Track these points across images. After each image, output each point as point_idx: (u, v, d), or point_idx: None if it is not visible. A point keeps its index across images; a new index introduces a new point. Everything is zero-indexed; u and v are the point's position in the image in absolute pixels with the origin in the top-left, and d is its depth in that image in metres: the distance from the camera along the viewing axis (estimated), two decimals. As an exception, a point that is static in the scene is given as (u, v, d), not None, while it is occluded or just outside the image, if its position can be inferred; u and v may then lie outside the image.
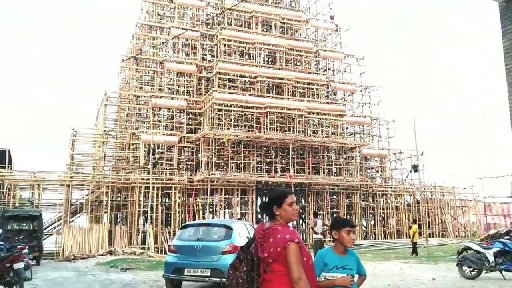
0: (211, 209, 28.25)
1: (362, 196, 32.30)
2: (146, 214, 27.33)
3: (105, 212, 26.45)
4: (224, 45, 32.36)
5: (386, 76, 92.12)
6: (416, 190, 34.67)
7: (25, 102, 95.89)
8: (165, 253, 26.55)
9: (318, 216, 15.31)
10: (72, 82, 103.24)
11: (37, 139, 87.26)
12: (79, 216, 28.88)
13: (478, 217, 39.60)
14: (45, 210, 26.16)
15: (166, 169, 29.08)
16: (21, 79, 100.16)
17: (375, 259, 19.95)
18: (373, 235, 32.14)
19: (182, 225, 11.42)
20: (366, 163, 34.98)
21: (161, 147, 29.67)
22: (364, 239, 31.13)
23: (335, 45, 37.67)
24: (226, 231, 10.49)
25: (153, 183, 27.16)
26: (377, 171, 35.67)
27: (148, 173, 28.12)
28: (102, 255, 21.01)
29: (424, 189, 35.14)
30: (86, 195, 26.87)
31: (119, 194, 28.46)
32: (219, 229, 10.83)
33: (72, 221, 27.23)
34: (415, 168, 21.15)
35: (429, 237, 32.75)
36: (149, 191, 27.17)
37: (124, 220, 28.48)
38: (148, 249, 25.31)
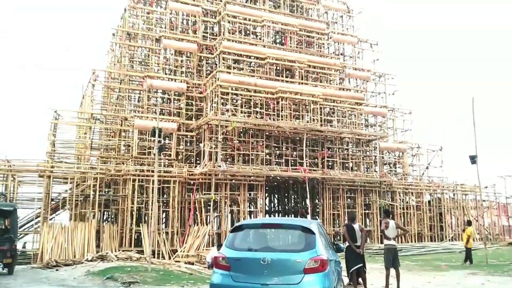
0: (215, 207, 24.55)
1: (381, 194, 28.98)
2: (140, 212, 23.61)
3: (92, 209, 22.52)
4: (229, 22, 28.68)
5: (401, 66, 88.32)
6: (437, 188, 31.54)
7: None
8: (163, 257, 22.94)
9: (391, 216, 11.76)
10: (54, 60, 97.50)
11: (12, 124, 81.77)
12: (60, 213, 24.97)
13: (493, 219, 36.82)
14: (21, 206, 22.23)
15: (162, 159, 25.23)
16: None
17: (425, 269, 16.60)
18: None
19: (235, 225, 7.69)
20: (382, 158, 31.62)
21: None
22: (381, 243, 27.67)
23: (347, 29, 34.31)
24: (306, 236, 6.87)
25: (147, 176, 23.55)
26: (394, 167, 32.36)
27: (142, 164, 24.52)
28: (91, 260, 17.16)
29: (444, 187, 32.07)
30: (70, 188, 22.93)
31: (108, 188, 24.60)
32: (294, 233, 7.20)
33: (51, 219, 23.32)
34: (473, 159, 17.77)
35: (454, 240, 29.74)
36: (143, 185, 23.66)
37: (113, 218, 24.61)
38: (141, 252, 21.60)
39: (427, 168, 33.51)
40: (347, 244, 10.45)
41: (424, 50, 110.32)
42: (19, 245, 23.21)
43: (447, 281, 12.86)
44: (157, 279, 12.66)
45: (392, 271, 10.82)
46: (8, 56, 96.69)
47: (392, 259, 10.80)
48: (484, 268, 15.90)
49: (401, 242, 27.43)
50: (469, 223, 19.43)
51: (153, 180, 22.95)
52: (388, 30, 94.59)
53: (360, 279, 10.49)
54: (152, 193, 22.82)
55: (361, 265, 10.31)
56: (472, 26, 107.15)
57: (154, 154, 25.20)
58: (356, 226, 10.51)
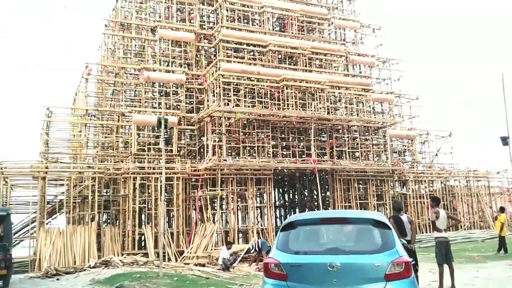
0: (221, 204, 23.21)
1: (392, 184, 27.75)
2: (142, 212, 22.21)
3: (91, 211, 21.06)
4: (227, 9, 27.19)
5: (403, 50, 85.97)
6: (449, 176, 30.35)
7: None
8: (169, 259, 21.47)
9: (440, 205, 10.45)
10: (54, 60, 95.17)
11: (9, 125, 79.58)
12: (56, 217, 23.48)
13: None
14: (15, 211, 20.75)
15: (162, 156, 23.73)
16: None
17: (459, 261, 15.19)
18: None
19: (285, 222, 6.22)
20: (391, 146, 30.31)
21: (156, 129, 24.38)
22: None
23: (348, 14, 32.94)
24: (381, 232, 5.49)
25: (148, 174, 22.17)
26: (403, 155, 31.09)
27: (142, 161, 23.12)
28: (94, 267, 15.73)
29: (456, 174, 30.90)
30: (67, 190, 21.47)
31: (107, 188, 23.17)
32: (363, 228, 5.77)
33: (48, 223, 21.85)
34: (504, 140, 16.53)
35: (470, 228, 28.63)
36: (145, 184, 22.24)
37: (114, 219, 23.16)
38: (146, 255, 20.22)
39: (436, 155, 32.33)
40: None
41: (425, 35, 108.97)
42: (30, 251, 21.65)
43: (493, 275, 11.63)
44: (172, 286, 11.27)
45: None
46: (8, 56, 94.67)
47: (445, 253, 9.51)
48: (524, 258, 14.69)
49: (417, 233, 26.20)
50: (501, 209, 18.15)
51: (156, 178, 21.70)
52: (389, 15, 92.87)
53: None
54: (157, 190, 21.56)
55: (413, 262, 8.98)
56: (472, 11, 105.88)
57: (155, 150, 23.87)
58: (404, 217, 9.18)
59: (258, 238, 21.19)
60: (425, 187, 29.20)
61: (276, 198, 34.74)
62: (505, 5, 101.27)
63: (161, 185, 21.37)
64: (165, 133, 14.19)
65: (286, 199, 34.18)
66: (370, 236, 5.62)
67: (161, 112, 23.90)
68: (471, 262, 14.61)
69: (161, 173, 21.61)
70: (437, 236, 9.81)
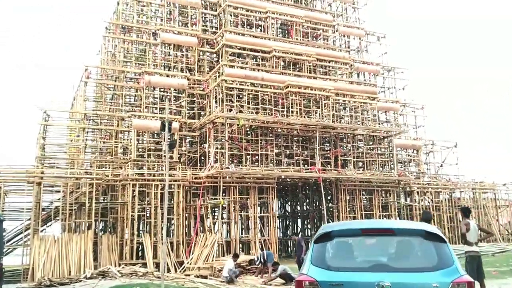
0: (222, 214, 22.44)
1: (397, 194, 27.04)
2: (141, 220, 21.43)
3: (88, 219, 20.24)
4: (231, 14, 26.62)
5: (407, 55, 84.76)
6: (454, 187, 29.64)
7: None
8: (168, 270, 20.60)
9: (471, 216, 9.72)
10: (54, 60, 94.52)
11: (7, 127, 78.53)
12: (51, 225, 22.67)
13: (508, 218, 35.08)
14: (8, 217, 19.93)
15: (162, 162, 23.04)
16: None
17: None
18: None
19: (320, 232, 5.30)
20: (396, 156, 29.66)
21: (156, 135, 23.71)
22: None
23: (353, 21, 32.44)
24: (435, 247, 4.73)
25: (148, 180, 21.39)
26: (408, 165, 30.41)
27: (141, 168, 22.36)
28: (90, 278, 14.88)
29: (462, 185, 30.21)
30: (63, 196, 20.65)
31: (105, 195, 22.35)
32: (414, 241, 5.00)
33: (42, 231, 21.00)
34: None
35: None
36: (144, 191, 21.43)
37: (111, 228, 22.33)
38: (145, 265, 19.38)
39: (441, 165, 31.66)
40: None
41: (428, 39, 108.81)
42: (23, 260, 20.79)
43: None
44: (176, 301, 10.48)
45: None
46: (8, 56, 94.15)
47: (477, 269, 8.76)
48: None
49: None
50: (519, 222, 17.52)
51: (156, 185, 20.94)
52: (391, 20, 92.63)
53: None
54: (156, 198, 20.80)
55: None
56: (475, 16, 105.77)
57: (155, 156, 23.13)
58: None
59: (262, 250, 20.43)
60: (431, 200, 28.42)
61: (277, 208, 33.95)
62: (508, 9, 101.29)
63: (161, 192, 20.79)
64: (168, 138, 13.42)
65: (287, 209, 33.39)
66: (423, 251, 4.87)
67: (161, 117, 23.24)
68: (490, 278, 13.84)
69: (161, 180, 21.00)
70: (468, 250, 9.11)
